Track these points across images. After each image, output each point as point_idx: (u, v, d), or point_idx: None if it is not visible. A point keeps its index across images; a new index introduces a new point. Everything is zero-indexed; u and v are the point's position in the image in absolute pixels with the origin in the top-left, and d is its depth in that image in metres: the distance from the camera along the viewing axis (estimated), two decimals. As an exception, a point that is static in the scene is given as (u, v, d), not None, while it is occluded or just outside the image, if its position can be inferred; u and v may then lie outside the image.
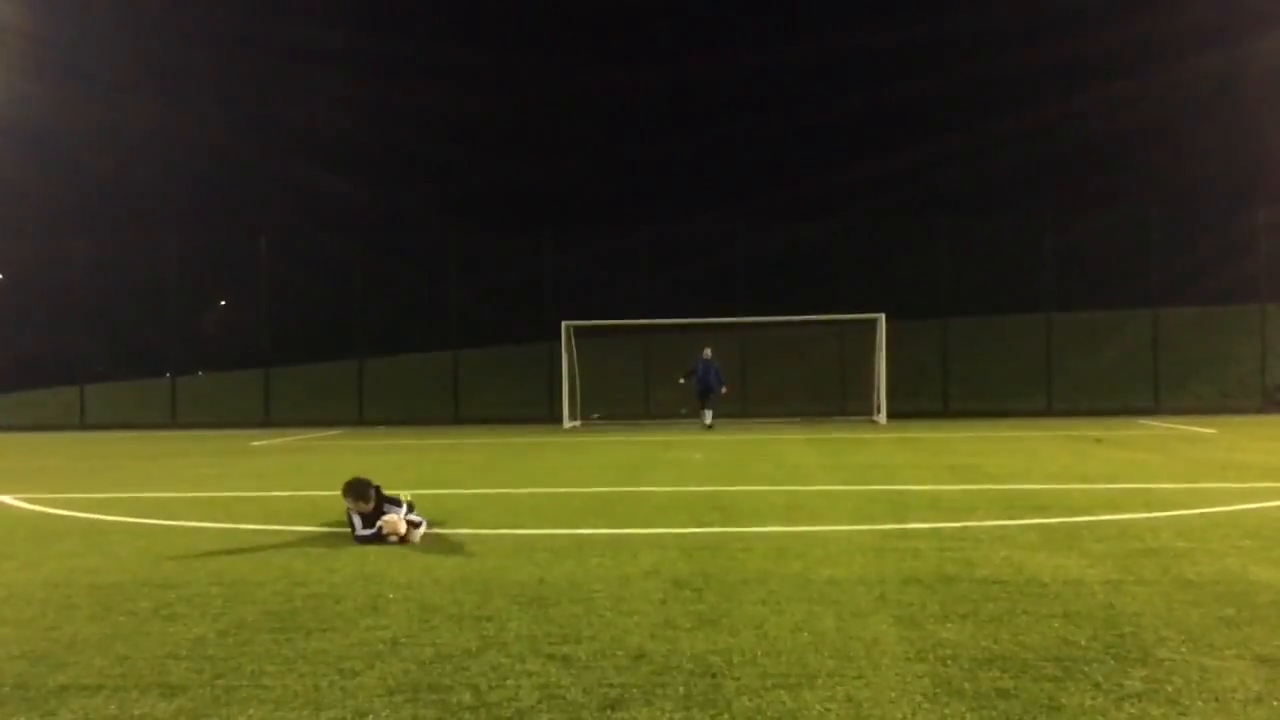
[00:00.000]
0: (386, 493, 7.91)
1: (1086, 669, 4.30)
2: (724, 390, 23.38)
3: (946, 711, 3.83)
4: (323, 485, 12.29)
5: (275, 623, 5.31)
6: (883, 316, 23.82)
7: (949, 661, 4.43)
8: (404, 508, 7.84)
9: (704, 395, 23.23)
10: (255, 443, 20.63)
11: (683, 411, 25.23)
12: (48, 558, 7.43)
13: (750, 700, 3.98)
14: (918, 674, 4.27)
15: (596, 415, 25.54)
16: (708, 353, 23.29)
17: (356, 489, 7.71)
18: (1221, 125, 38.20)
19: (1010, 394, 26.91)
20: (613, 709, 3.91)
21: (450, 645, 4.81)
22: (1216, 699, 3.92)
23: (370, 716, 3.89)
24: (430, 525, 7.94)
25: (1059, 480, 11.33)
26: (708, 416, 23.10)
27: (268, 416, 27.93)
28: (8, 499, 11.12)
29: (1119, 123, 42.17)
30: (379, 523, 7.55)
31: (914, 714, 3.82)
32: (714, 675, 4.30)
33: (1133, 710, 3.81)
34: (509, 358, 31.60)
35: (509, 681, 4.26)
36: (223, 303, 34.70)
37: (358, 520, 7.66)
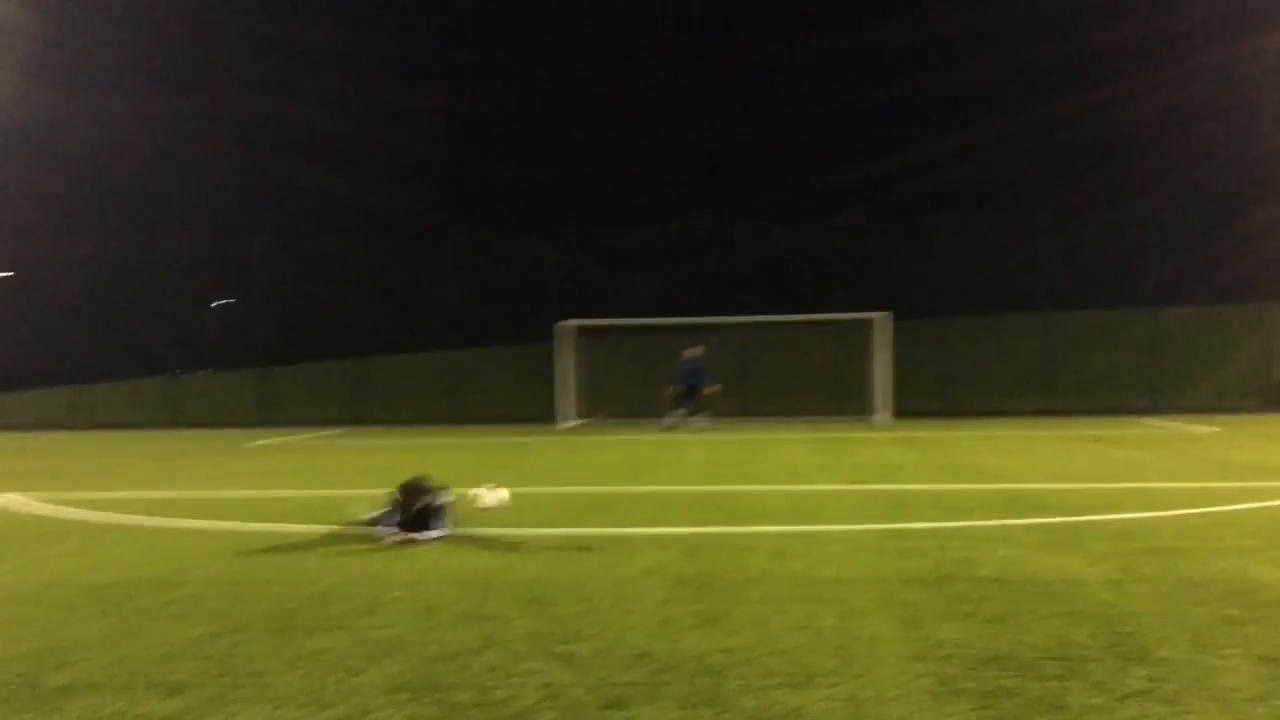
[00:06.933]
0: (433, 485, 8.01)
1: (1088, 668, 4.30)
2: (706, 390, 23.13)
3: (948, 710, 3.83)
4: (323, 485, 12.30)
5: (277, 622, 5.31)
6: (883, 316, 23.80)
7: (950, 660, 4.43)
8: (439, 525, 7.84)
9: (687, 396, 23.17)
10: (254, 442, 20.61)
11: (682, 412, 25.24)
12: (49, 557, 7.44)
13: (752, 699, 3.97)
14: (919, 673, 4.27)
15: (600, 414, 25.53)
16: (693, 351, 23.26)
17: (410, 491, 7.88)
18: (1221, 125, 38.20)
19: (1010, 393, 26.88)
20: (614, 708, 3.91)
21: (452, 644, 4.81)
22: (1218, 698, 3.92)
23: (372, 715, 3.89)
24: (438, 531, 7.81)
25: (1059, 479, 11.33)
26: (675, 417, 22.87)
27: (267, 416, 27.89)
28: (8, 498, 11.12)
29: (1119, 122, 42.12)
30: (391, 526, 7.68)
31: (916, 713, 3.82)
32: (715, 674, 4.30)
33: (1134, 709, 3.81)
34: (509, 357, 31.56)
35: (511, 680, 4.26)
36: (222, 302, 34.65)
37: (383, 515, 7.80)
